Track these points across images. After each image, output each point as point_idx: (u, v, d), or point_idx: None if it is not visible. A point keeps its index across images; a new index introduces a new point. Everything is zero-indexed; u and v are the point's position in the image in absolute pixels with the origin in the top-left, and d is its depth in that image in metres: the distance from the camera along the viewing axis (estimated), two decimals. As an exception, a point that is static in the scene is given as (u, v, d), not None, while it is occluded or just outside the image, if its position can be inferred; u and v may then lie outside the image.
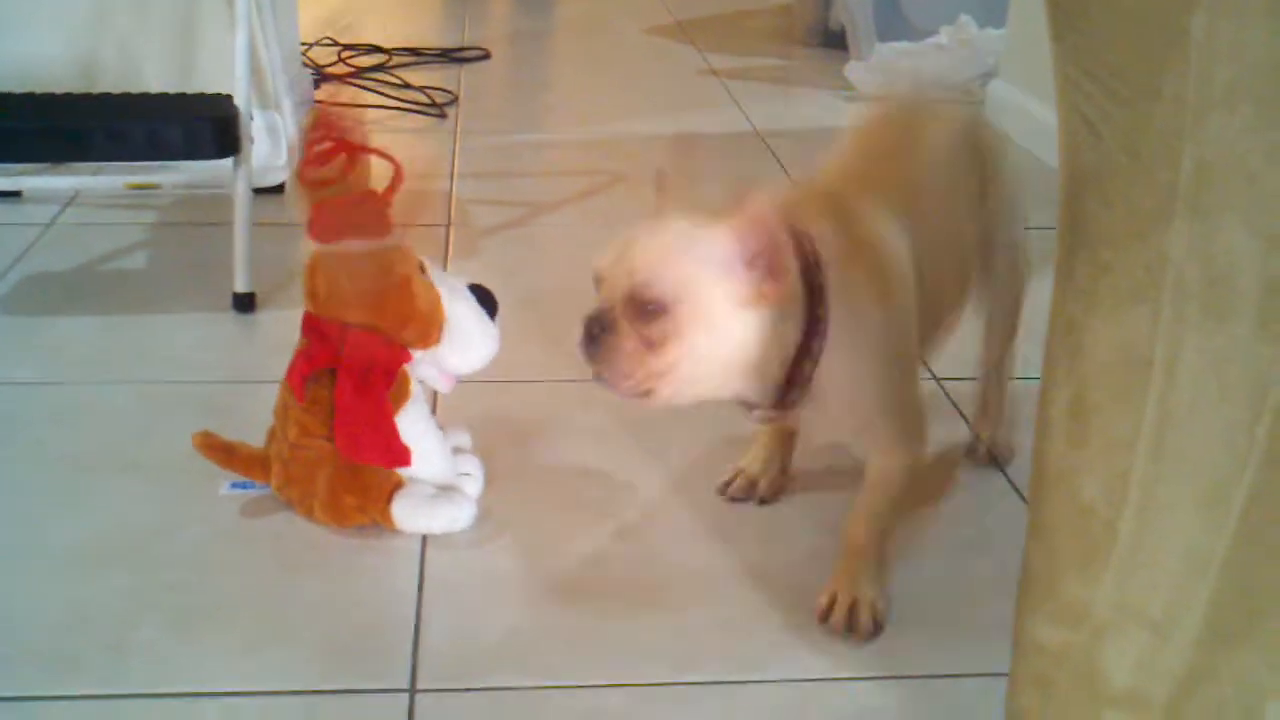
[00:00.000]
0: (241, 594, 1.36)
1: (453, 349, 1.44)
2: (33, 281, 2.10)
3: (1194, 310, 0.78)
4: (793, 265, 1.19)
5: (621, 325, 1.17)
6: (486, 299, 1.47)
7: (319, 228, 1.39)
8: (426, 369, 1.46)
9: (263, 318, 2.01)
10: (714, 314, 1.17)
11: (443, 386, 1.49)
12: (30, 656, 1.26)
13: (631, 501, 1.57)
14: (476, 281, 1.49)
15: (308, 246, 1.42)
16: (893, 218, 1.33)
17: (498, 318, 1.48)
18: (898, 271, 1.31)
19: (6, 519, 1.48)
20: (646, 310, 1.16)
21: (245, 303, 2.00)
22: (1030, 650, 0.92)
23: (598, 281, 1.21)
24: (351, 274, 1.39)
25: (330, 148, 1.40)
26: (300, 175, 1.43)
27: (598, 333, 1.18)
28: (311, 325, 1.44)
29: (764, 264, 1.16)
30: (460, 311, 1.44)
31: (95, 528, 1.46)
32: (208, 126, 1.93)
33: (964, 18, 3.28)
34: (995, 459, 1.66)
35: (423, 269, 1.44)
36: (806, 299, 1.22)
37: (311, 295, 1.43)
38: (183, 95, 2.08)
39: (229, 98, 2.02)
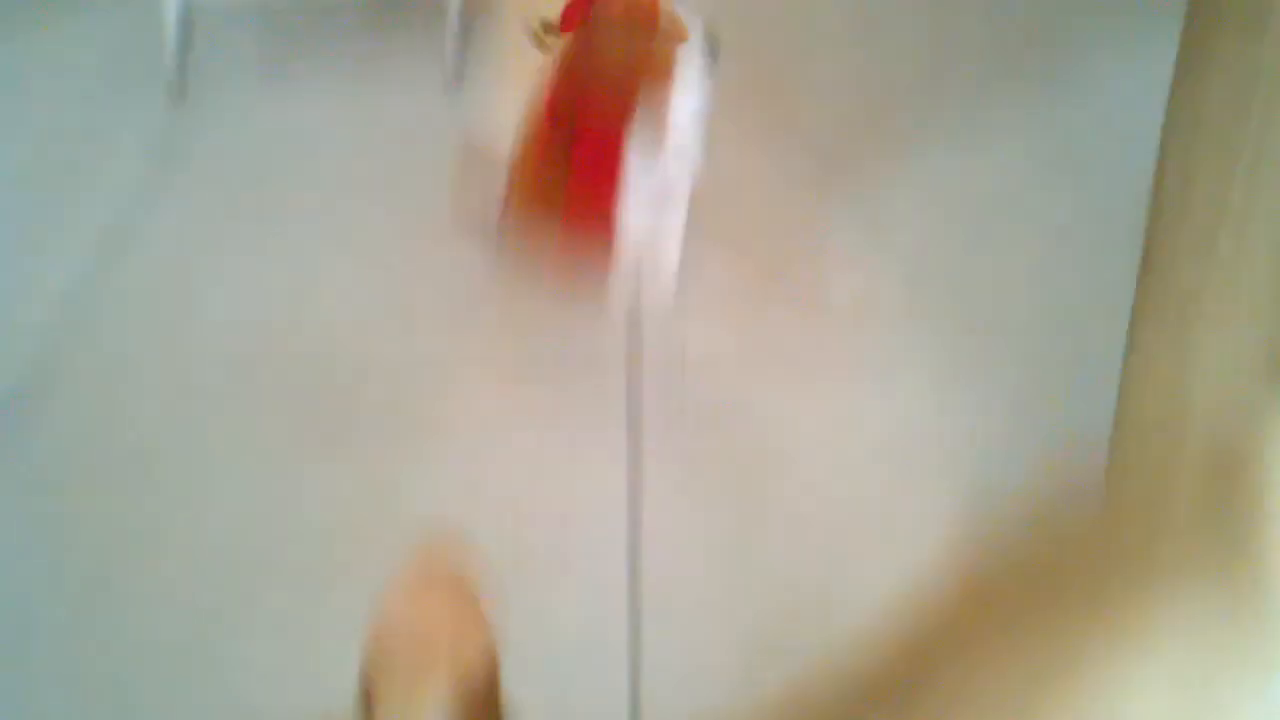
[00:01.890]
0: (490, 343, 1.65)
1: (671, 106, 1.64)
2: (268, 48, 2.35)
3: None
4: None
5: None
6: (714, 48, 1.64)
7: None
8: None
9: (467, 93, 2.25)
10: None
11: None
12: (329, 348, 1.59)
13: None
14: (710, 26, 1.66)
15: None
16: None
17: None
18: None
19: (293, 237, 1.82)
20: None
21: (457, 76, 2.25)
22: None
23: None
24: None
25: None
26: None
27: None
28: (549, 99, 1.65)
29: None
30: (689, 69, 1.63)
31: (364, 256, 1.77)
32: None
33: None
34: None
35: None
36: None
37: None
38: None
39: None
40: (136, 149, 2.03)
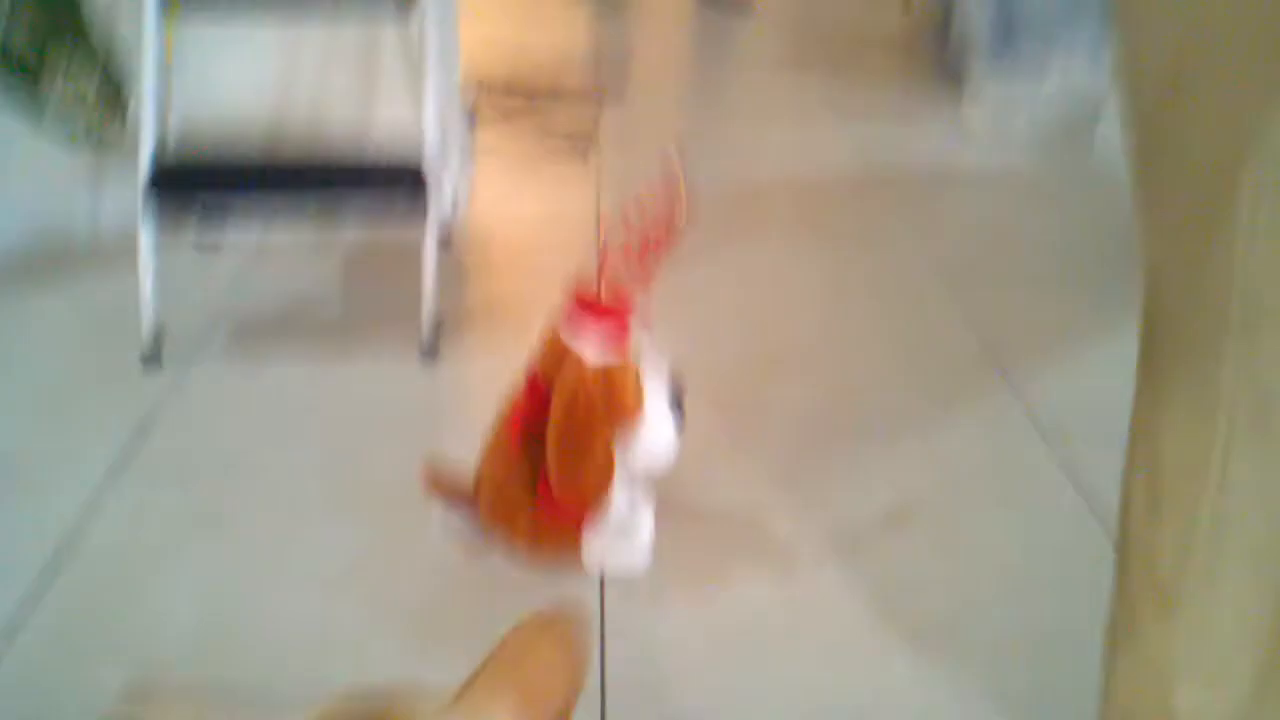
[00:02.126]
0: (456, 618, 1.64)
1: (640, 454, 1.67)
2: (242, 327, 2.41)
3: (1244, 423, 1.01)
4: None
5: None
6: (680, 409, 1.68)
7: (570, 317, 1.63)
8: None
9: (444, 363, 2.29)
10: None
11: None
12: (283, 672, 1.55)
13: (785, 549, 1.82)
14: (678, 383, 1.69)
15: (554, 320, 1.65)
16: None
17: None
18: None
19: (254, 545, 1.78)
20: None
21: (430, 350, 2.28)
22: (1112, 694, 1.16)
23: None
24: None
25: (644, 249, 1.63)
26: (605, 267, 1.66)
27: None
28: (534, 385, 1.68)
29: None
30: (655, 425, 1.65)
31: (328, 555, 1.75)
32: (402, 190, 2.22)
33: (1077, 61, 3.46)
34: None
35: (639, 379, 1.65)
36: None
37: (542, 359, 1.67)
38: (377, 159, 2.36)
39: (418, 164, 2.29)
40: (105, 424, 2.03)
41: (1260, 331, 0.98)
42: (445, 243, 2.71)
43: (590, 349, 1.62)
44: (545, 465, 1.64)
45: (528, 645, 1.01)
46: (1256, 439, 1.01)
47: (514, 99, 3.76)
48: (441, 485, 1.76)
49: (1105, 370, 2.29)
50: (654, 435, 1.67)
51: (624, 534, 1.75)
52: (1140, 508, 1.10)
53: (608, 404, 1.61)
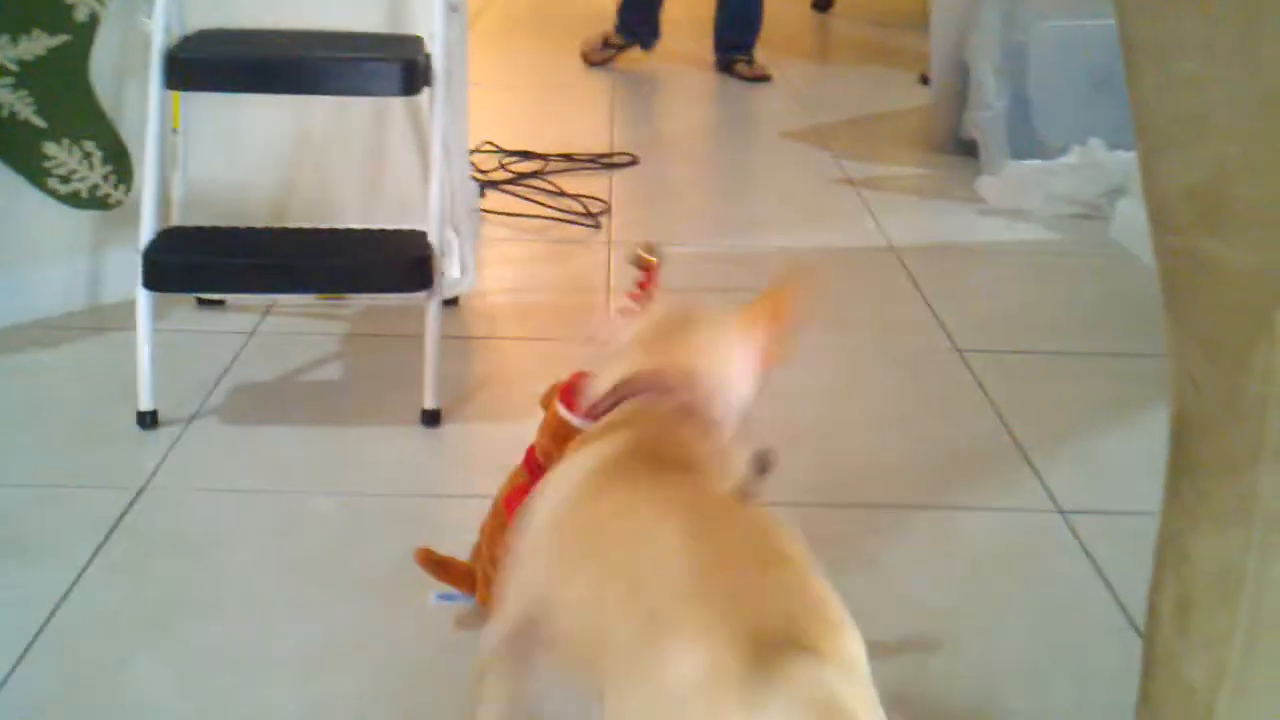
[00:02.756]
0: (451, 699, 1.58)
1: None
2: (241, 391, 2.37)
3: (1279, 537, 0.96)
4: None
5: None
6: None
7: (569, 395, 1.58)
8: None
9: (447, 431, 2.25)
10: None
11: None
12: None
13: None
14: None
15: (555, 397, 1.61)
16: None
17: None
18: None
19: (244, 621, 1.72)
20: None
21: (432, 418, 2.24)
22: None
23: None
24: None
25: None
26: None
27: None
28: (532, 462, 1.65)
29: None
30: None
31: (320, 633, 1.70)
32: (407, 264, 2.18)
33: (1094, 140, 3.43)
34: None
35: None
36: None
37: (542, 436, 1.63)
38: (383, 231, 2.33)
39: (424, 235, 2.26)
40: (98, 490, 1.98)
41: None
42: (451, 308, 2.68)
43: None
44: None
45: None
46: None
47: (526, 162, 3.74)
48: (438, 567, 1.70)
49: (1126, 448, 2.24)
50: None
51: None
52: (1169, 616, 1.04)
53: None
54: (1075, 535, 1.97)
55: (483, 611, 1.70)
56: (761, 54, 5.10)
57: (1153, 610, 1.07)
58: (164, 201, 2.35)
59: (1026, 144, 3.60)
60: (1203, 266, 0.95)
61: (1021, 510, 2.05)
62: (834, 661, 0.91)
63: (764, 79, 4.99)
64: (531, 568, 1.14)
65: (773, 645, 0.88)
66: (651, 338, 1.30)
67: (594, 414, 1.28)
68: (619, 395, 1.25)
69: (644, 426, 1.18)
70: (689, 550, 0.98)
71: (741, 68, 5.01)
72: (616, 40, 5.04)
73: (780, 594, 0.96)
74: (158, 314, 2.25)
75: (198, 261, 2.21)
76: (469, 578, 1.69)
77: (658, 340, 1.30)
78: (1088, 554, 1.92)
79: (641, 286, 1.63)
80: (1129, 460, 2.19)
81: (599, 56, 5.05)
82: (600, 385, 1.28)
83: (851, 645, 0.95)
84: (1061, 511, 2.03)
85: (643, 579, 0.97)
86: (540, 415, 1.65)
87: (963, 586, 1.85)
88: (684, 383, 1.24)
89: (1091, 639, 1.74)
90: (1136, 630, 1.73)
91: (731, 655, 0.87)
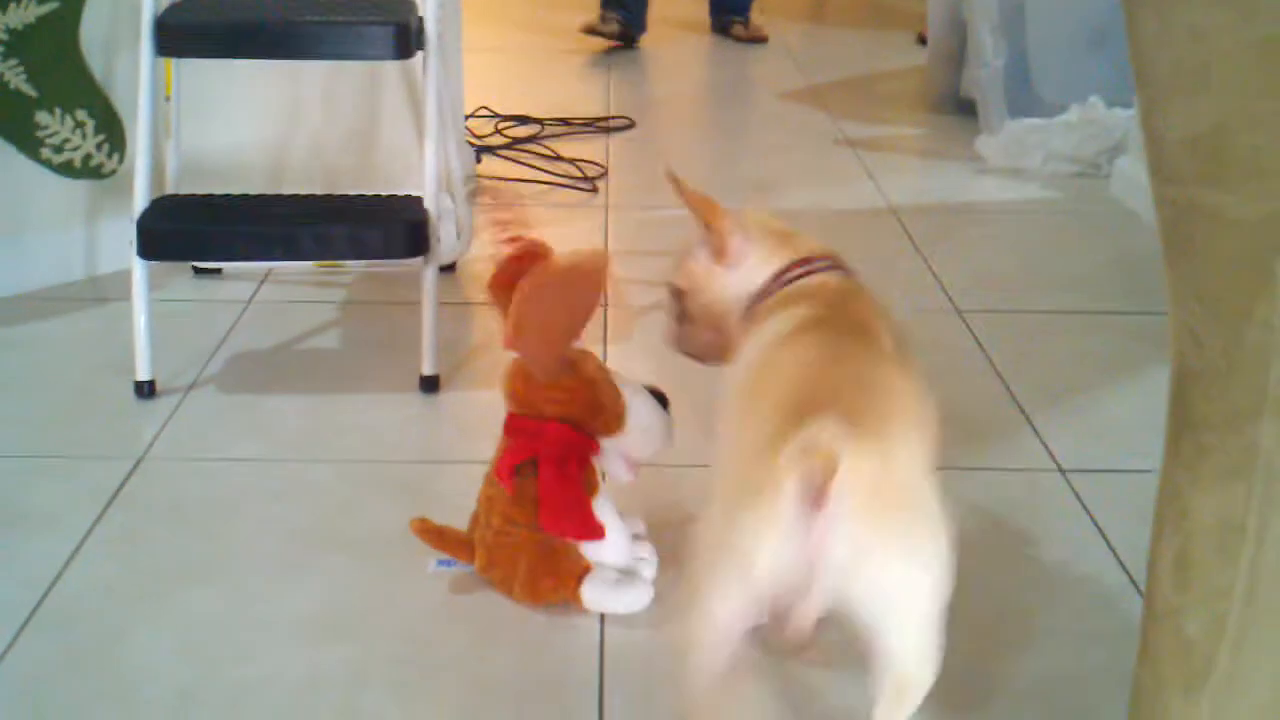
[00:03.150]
0: (450, 666, 1.58)
1: (634, 436, 1.67)
2: (238, 360, 2.36)
3: None
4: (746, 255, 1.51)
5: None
6: (660, 396, 1.70)
7: (505, 277, 1.62)
8: (613, 460, 1.68)
9: (445, 397, 2.24)
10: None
11: (625, 476, 1.70)
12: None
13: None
14: (649, 383, 1.71)
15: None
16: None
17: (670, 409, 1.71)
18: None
19: (243, 589, 1.72)
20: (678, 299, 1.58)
21: (431, 384, 2.23)
22: None
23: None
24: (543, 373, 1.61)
25: (517, 253, 1.63)
26: (492, 286, 1.65)
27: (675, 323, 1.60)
28: (513, 424, 1.65)
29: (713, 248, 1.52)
30: (638, 403, 1.67)
31: (319, 600, 1.69)
32: (403, 230, 2.17)
33: (1093, 98, 3.41)
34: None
35: (601, 369, 1.66)
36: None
37: (511, 396, 1.65)
38: (378, 197, 2.31)
39: (419, 200, 2.25)
40: (97, 460, 1.97)
41: None
42: (448, 274, 2.66)
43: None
44: (545, 487, 1.59)
45: None
46: (1294, 507, 0.95)
47: (523, 127, 3.72)
48: (435, 537, 1.70)
49: (1127, 406, 2.24)
50: (639, 413, 1.66)
51: (624, 573, 1.68)
52: (1169, 571, 1.03)
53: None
54: (1076, 494, 1.96)
55: (482, 579, 1.70)
56: (758, 14, 5.06)
57: (1153, 566, 1.06)
58: (158, 170, 2.34)
59: (1025, 102, 3.58)
60: (1203, 217, 0.94)
61: (1022, 470, 2.04)
62: (860, 430, 1.09)
63: (760, 40, 4.96)
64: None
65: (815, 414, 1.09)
66: (781, 238, 1.53)
67: (765, 293, 1.47)
68: (793, 274, 1.46)
69: (826, 298, 1.41)
70: (825, 375, 1.23)
71: (738, 29, 4.98)
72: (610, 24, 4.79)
73: (868, 400, 1.18)
74: (154, 284, 2.24)
75: (192, 229, 2.19)
76: (467, 547, 1.69)
77: (791, 237, 1.54)
78: (1088, 513, 1.91)
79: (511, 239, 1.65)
80: (1130, 418, 2.18)
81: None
82: (762, 271, 1.49)
83: (899, 436, 1.17)
84: (1062, 470, 2.02)
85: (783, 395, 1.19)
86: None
87: (962, 546, 1.84)
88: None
89: (1092, 598, 1.74)
90: (1138, 589, 1.73)
91: (789, 423, 1.10)
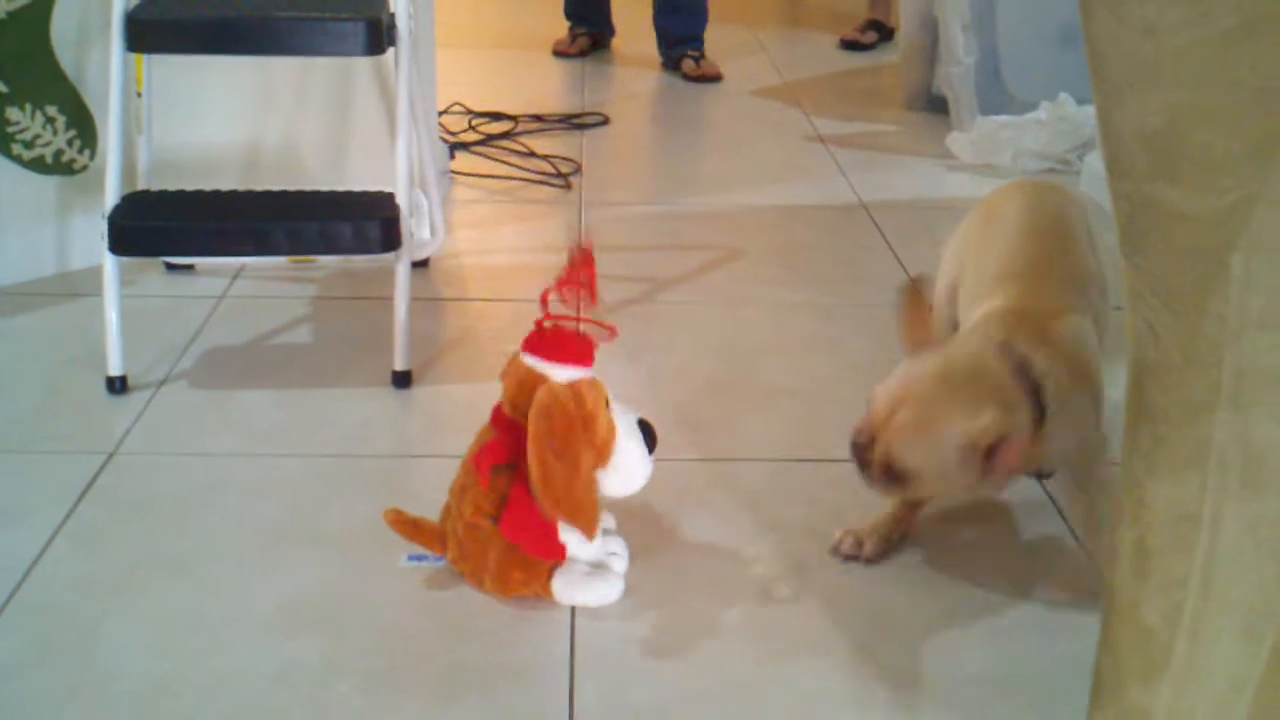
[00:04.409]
0: (421, 658, 1.59)
1: (614, 476, 1.66)
2: (211, 355, 2.36)
3: (1234, 481, 0.97)
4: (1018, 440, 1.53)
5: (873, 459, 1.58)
6: (649, 434, 1.68)
7: (534, 344, 1.61)
8: None
9: (418, 392, 2.25)
10: (949, 483, 1.60)
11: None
12: (243, 711, 1.50)
13: (757, 574, 1.77)
14: (643, 417, 1.70)
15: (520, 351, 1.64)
16: (1083, 317, 1.71)
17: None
18: (1096, 365, 1.67)
19: (215, 582, 1.73)
20: (892, 473, 1.57)
21: (403, 379, 2.24)
22: None
23: (870, 402, 1.60)
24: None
25: (580, 284, 1.61)
26: (546, 300, 1.62)
27: (862, 444, 1.59)
28: (500, 421, 1.65)
29: (997, 462, 1.52)
30: (627, 445, 1.65)
31: (291, 593, 1.70)
32: (375, 225, 2.17)
33: (1063, 95, 3.44)
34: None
35: (607, 403, 1.65)
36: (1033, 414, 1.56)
37: (505, 392, 1.66)
38: (351, 193, 2.32)
39: (391, 196, 2.25)
40: (68, 454, 1.97)
41: (1252, 394, 0.95)
42: (421, 270, 2.67)
43: (558, 373, 1.60)
44: (515, 496, 1.60)
45: None
46: (1248, 497, 0.97)
47: (496, 124, 3.72)
48: (409, 528, 1.70)
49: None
50: (626, 454, 1.65)
51: (595, 566, 1.70)
52: (1128, 560, 1.05)
53: (580, 416, 1.58)
54: (1043, 486, 1.98)
55: (453, 572, 1.71)
56: (728, 15, 5.06)
57: (1113, 556, 1.08)
58: (129, 166, 2.34)
59: (996, 100, 3.60)
60: (1158, 213, 0.96)
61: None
62: None
63: (714, 79, 4.42)
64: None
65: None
66: None
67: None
68: None
69: None
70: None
71: (688, 65, 4.43)
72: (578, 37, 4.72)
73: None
74: (127, 280, 2.24)
75: (163, 225, 2.19)
76: (440, 538, 1.70)
77: None
78: (1053, 503, 1.94)
79: (574, 282, 1.62)
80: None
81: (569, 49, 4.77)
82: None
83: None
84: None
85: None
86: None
87: (934, 538, 1.86)
88: None
89: (1058, 592, 1.75)
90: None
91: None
